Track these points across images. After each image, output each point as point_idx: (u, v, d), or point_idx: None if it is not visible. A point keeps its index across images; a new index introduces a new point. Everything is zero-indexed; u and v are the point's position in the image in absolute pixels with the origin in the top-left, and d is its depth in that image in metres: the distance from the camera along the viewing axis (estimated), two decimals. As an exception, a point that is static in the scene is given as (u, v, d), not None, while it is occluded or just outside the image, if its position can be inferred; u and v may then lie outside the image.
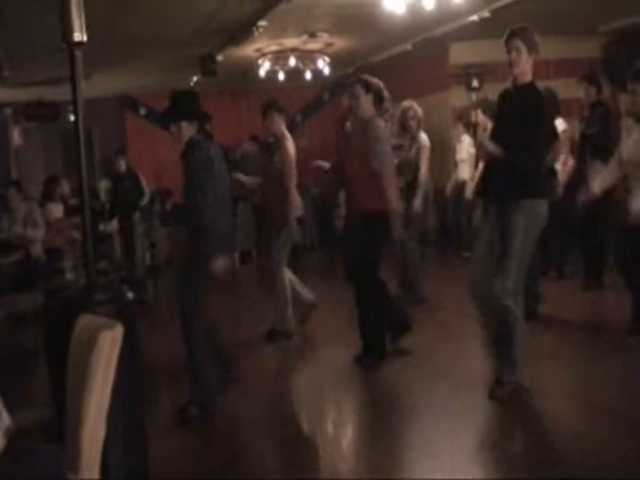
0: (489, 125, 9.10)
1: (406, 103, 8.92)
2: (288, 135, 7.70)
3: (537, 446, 4.71)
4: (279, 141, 7.64)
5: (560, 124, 8.40)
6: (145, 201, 12.25)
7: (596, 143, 8.32)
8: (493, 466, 4.56)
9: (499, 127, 5.59)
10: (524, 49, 5.34)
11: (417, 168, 8.68)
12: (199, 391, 5.60)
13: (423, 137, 8.83)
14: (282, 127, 7.67)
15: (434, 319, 8.10)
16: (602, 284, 8.64)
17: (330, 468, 4.72)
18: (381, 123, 6.62)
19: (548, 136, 5.54)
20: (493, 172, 5.49)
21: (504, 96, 5.60)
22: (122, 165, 12.15)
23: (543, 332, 7.05)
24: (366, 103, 6.57)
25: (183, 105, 5.71)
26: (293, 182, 7.54)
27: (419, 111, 8.84)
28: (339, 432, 5.56)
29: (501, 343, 5.44)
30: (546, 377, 5.96)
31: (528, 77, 5.45)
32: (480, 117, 10.14)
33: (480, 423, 5.21)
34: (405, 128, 8.78)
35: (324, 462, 4.85)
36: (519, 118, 5.34)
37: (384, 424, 5.31)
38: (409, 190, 8.52)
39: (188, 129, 5.62)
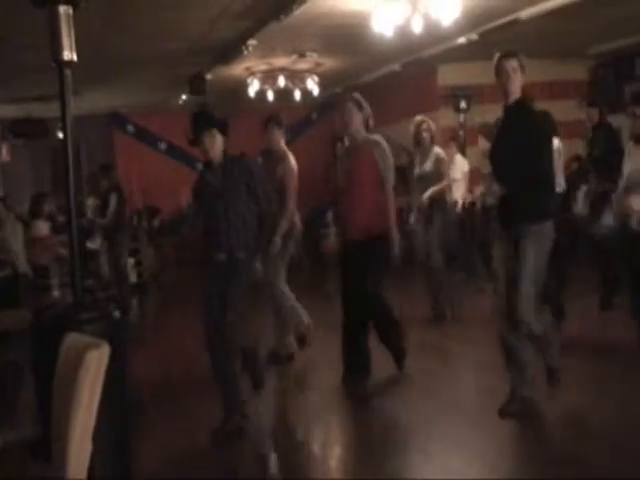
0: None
1: (419, 117, 8.95)
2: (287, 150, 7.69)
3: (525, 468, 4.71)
4: (279, 155, 7.56)
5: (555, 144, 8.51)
6: (107, 219, 11.94)
7: (604, 163, 8.41)
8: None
9: (501, 145, 5.59)
10: (519, 69, 5.38)
11: (436, 181, 8.72)
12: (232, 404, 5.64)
13: (439, 151, 8.82)
14: (281, 141, 7.60)
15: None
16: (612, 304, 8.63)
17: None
18: (383, 141, 6.56)
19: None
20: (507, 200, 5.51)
21: (506, 113, 5.60)
22: (105, 183, 12.03)
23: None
24: (358, 121, 6.52)
25: (208, 118, 5.77)
26: (294, 194, 7.46)
27: (432, 125, 8.88)
28: (325, 453, 5.54)
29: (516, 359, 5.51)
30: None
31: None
32: (482, 143, 10.19)
33: (470, 444, 5.20)
34: (419, 143, 8.83)
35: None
36: (526, 135, 5.37)
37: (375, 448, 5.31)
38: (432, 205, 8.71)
39: (221, 139, 5.73)
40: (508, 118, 5.50)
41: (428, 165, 8.78)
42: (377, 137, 6.52)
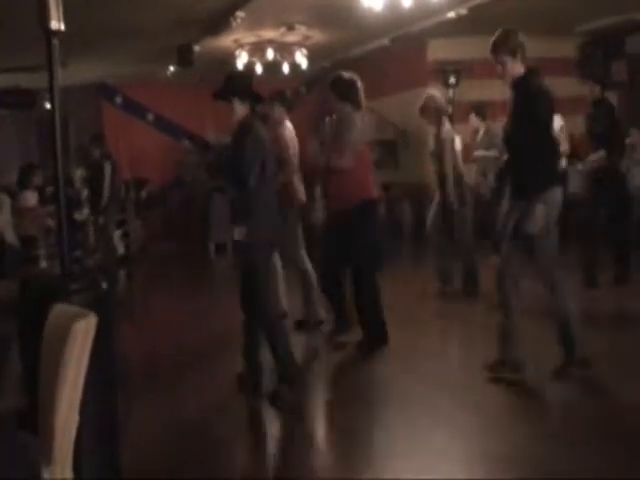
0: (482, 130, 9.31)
1: (428, 92, 8.89)
2: (289, 125, 7.71)
3: (511, 445, 4.75)
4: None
5: (557, 121, 8.58)
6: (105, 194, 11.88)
7: (606, 139, 8.49)
8: (462, 465, 4.57)
9: (509, 124, 5.75)
10: (508, 59, 5.52)
11: (441, 160, 8.72)
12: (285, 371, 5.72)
13: (446, 128, 8.75)
14: (283, 117, 7.65)
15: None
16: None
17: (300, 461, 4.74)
18: (356, 117, 6.68)
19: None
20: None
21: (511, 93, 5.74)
22: (96, 153, 11.97)
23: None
24: (342, 104, 6.74)
25: (237, 84, 5.78)
26: (293, 168, 7.55)
27: (440, 101, 8.79)
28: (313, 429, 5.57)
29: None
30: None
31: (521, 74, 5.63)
32: (474, 121, 10.18)
33: (454, 422, 5.23)
34: (426, 118, 8.79)
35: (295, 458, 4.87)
36: (518, 112, 5.56)
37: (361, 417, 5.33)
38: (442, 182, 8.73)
39: (240, 109, 5.70)
40: (511, 97, 5.67)
41: (434, 143, 8.79)
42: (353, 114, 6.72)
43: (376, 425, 5.22)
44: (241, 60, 12.26)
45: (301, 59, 12.51)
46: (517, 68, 5.58)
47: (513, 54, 5.52)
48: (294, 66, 12.73)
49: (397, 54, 13.19)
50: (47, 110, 11.56)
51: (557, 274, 5.58)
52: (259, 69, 12.47)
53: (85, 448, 3.65)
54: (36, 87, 14.40)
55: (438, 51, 12.93)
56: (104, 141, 12.43)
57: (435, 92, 8.91)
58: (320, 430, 5.50)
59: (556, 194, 5.54)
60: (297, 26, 11.11)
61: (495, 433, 4.92)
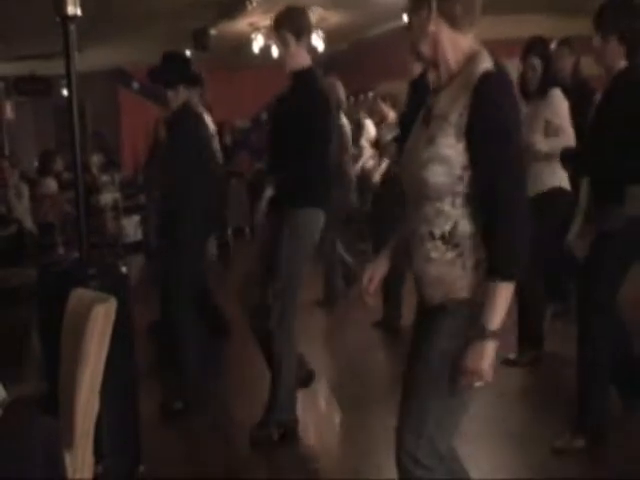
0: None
1: None
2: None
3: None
4: None
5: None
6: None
7: None
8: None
9: None
10: (292, 39, 4.74)
11: None
12: None
13: None
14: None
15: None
16: None
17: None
18: None
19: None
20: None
21: None
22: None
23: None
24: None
25: (179, 67, 5.47)
26: None
27: None
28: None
29: None
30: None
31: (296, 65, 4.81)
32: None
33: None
34: None
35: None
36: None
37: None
38: None
39: (185, 94, 5.36)
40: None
41: None
42: None
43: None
44: (257, 43, 12.24)
45: (317, 41, 12.45)
46: (302, 55, 4.82)
47: (297, 35, 4.73)
48: (310, 49, 12.62)
49: (400, 42, 13.10)
50: (64, 97, 11.58)
51: None
52: (275, 52, 12.40)
53: (106, 432, 3.68)
54: (52, 74, 14.42)
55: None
56: None
57: None
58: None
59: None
60: (313, 8, 11.05)
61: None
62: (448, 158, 2.41)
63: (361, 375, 5.97)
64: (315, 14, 11.43)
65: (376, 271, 2.78)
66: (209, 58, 13.11)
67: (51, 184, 11.22)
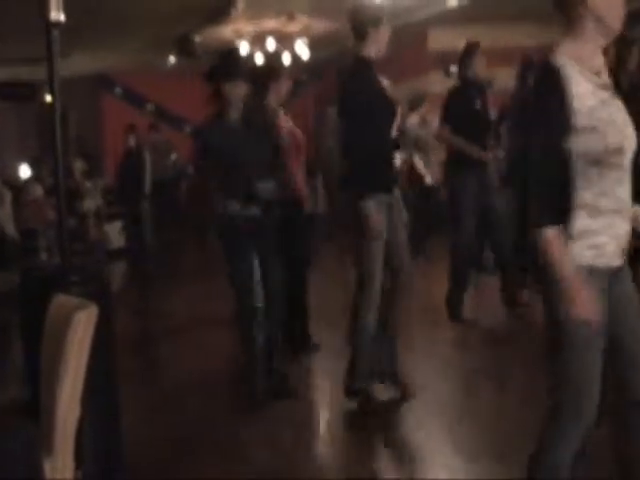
0: None
1: None
2: None
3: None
4: None
5: None
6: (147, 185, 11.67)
7: None
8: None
9: None
10: None
11: None
12: None
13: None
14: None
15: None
16: None
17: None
18: None
19: None
20: None
21: None
22: (131, 141, 11.85)
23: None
24: None
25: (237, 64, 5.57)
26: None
27: None
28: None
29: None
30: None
31: None
32: None
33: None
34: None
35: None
36: None
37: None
38: None
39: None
40: None
41: None
42: None
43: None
44: (242, 50, 12.23)
45: (302, 48, 12.46)
46: None
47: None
48: (295, 57, 12.66)
49: (398, 43, 13.14)
50: (47, 102, 11.55)
51: None
52: (259, 59, 12.43)
53: (87, 438, 3.67)
54: (36, 79, 14.37)
55: (439, 40, 12.90)
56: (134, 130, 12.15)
57: None
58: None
59: None
60: (298, 15, 11.08)
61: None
62: None
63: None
64: (300, 22, 11.48)
65: None
66: (193, 65, 13.12)
67: (36, 189, 11.21)
